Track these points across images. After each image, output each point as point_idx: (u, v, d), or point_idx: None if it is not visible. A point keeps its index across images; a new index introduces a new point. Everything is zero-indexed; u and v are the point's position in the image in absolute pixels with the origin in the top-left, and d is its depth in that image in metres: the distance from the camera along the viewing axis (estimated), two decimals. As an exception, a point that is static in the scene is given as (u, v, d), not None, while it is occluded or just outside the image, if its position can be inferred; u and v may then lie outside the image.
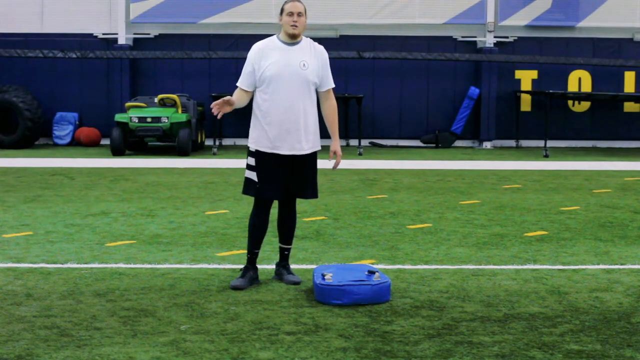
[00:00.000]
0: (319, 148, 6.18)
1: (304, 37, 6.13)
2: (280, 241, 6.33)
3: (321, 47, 6.15)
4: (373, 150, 19.05)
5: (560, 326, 5.11)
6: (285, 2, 6.06)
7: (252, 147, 6.06)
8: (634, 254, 7.34)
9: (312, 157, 6.13)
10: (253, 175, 6.04)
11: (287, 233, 6.29)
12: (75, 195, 10.90)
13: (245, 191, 6.14)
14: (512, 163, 16.17)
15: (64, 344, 4.69)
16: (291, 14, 5.96)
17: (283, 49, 6.01)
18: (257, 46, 6.08)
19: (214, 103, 5.89)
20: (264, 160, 6.01)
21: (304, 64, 5.97)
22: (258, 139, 6.03)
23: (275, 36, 6.12)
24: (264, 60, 5.98)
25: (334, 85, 6.21)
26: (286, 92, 5.94)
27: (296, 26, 5.97)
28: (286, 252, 6.34)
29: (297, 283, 6.13)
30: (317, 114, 6.14)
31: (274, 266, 6.42)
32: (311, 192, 6.18)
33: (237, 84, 6.12)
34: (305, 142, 6.04)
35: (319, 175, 6.32)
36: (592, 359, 4.52)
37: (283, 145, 5.98)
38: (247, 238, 6.26)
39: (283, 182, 6.04)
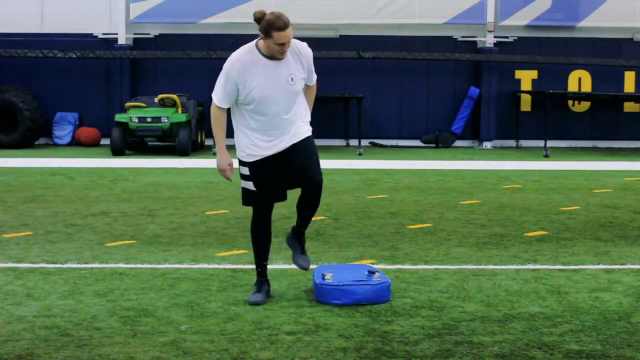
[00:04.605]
0: (311, 133, 5.74)
1: None
2: (299, 218, 5.84)
3: (304, 46, 5.64)
4: (373, 150, 19.04)
5: (560, 326, 5.11)
6: (273, 25, 5.32)
7: (243, 157, 5.62)
8: (634, 254, 7.34)
9: (309, 140, 5.65)
10: (249, 185, 5.64)
11: (306, 213, 5.79)
12: (75, 195, 10.90)
13: (245, 202, 5.75)
14: (512, 163, 16.16)
15: (64, 344, 4.69)
16: (282, 44, 5.39)
17: (268, 64, 5.45)
18: (238, 62, 5.45)
19: (226, 177, 5.64)
20: (258, 167, 5.59)
21: (291, 79, 5.52)
22: (247, 146, 5.59)
23: (254, 45, 5.50)
24: (249, 80, 5.42)
25: (316, 77, 5.76)
26: (276, 109, 5.50)
27: (284, 53, 5.46)
28: (303, 229, 5.91)
29: (304, 269, 5.87)
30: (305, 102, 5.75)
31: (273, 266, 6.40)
32: (316, 173, 5.58)
33: (215, 102, 5.54)
34: (302, 128, 5.61)
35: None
36: (592, 359, 4.52)
37: (277, 146, 5.55)
38: (250, 243, 5.89)
39: (284, 180, 5.63)
